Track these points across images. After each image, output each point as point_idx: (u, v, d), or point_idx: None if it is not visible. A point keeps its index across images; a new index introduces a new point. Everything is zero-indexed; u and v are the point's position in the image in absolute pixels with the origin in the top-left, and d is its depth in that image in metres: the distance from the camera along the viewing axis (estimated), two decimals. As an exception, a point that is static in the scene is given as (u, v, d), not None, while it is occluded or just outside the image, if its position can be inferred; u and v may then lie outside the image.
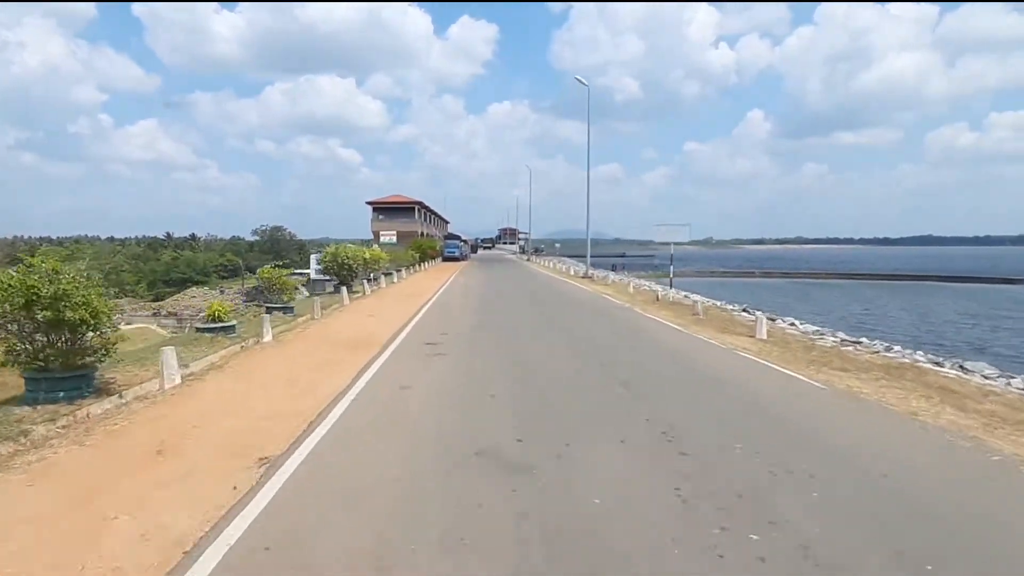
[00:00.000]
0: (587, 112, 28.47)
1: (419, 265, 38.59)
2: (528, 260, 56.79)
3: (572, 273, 32.95)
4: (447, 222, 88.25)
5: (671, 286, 17.06)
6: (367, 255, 22.93)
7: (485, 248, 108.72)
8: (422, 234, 56.92)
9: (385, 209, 56.44)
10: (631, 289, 20.70)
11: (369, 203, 57.16)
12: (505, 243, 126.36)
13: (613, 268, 49.41)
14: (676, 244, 16.63)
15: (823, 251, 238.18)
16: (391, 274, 26.91)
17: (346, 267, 20.16)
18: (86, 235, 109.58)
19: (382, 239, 34.98)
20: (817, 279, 71.67)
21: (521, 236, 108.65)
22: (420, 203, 59.86)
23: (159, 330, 26.97)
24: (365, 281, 20.38)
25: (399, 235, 49.67)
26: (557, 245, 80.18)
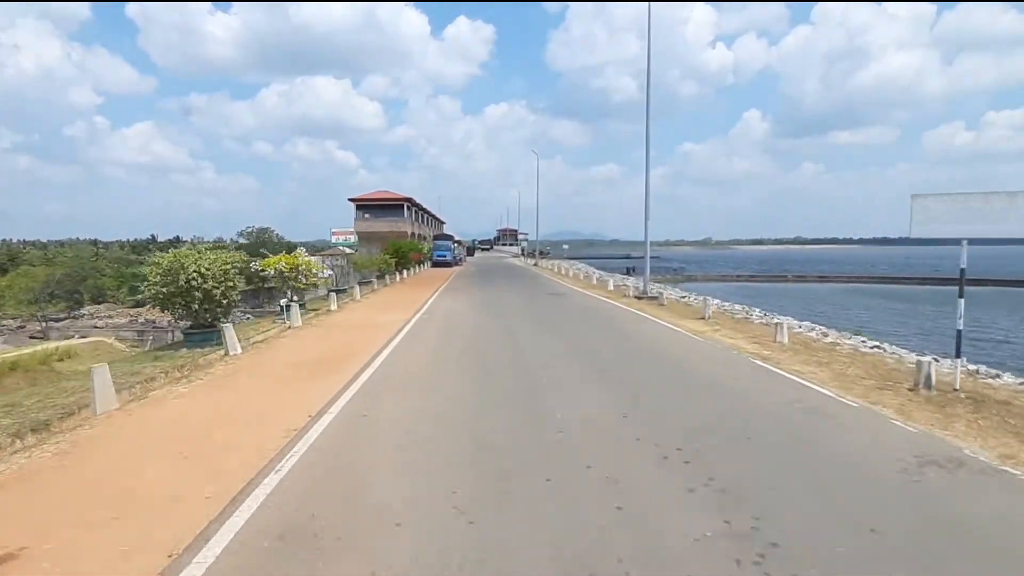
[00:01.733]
0: (647, 69, 17.98)
1: (396, 275, 28.19)
2: (535, 265, 46.34)
3: (612, 288, 22.48)
4: (443, 223, 79.04)
5: (958, 355, 6.61)
6: (268, 266, 12.50)
7: (483, 250, 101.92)
8: (413, 235, 47.28)
9: (370, 207, 47.41)
10: (786, 339, 10.22)
11: (352, 200, 47.69)
12: (504, 244, 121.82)
13: (628, 272, 44.99)
14: (970, 241, 6.09)
15: (827, 251, 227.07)
16: (332, 293, 16.49)
17: (198, 294, 9.52)
18: (78, 238, 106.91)
19: (333, 240, 24.53)
20: (860, 283, 62.19)
21: (521, 237, 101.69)
22: (410, 200, 49.98)
23: (117, 344, 24.57)
24: (230, 331, 9.66)
25: (386, 236, 39.74)
26: (565, 247, 69.72)
